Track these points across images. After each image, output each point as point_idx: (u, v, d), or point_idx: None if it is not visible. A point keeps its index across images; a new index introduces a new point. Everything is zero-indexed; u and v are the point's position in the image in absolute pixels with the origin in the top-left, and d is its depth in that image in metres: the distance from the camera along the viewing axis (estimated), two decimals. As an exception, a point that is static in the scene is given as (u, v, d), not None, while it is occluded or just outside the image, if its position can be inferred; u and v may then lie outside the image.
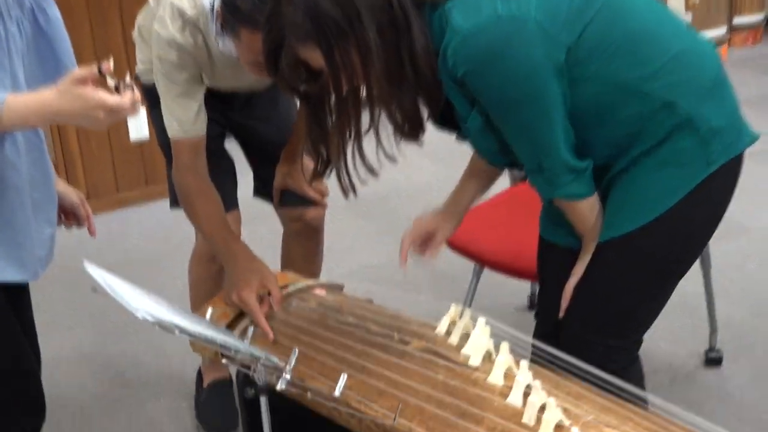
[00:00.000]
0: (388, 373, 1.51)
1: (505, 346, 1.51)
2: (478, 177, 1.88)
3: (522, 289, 2.96)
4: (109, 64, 1.39)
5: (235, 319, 1.78)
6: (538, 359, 1.58)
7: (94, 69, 1.38)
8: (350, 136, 1.66)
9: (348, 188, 1.70)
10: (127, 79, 1.45)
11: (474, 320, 1.61)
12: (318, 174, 1.75)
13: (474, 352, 1.53)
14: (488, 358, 1.53)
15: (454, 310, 1.66)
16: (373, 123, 1.62)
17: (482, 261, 2.39)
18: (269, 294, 1.81)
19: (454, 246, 2.39)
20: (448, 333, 1.62)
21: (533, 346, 1.62)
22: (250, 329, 1.68)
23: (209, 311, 1.77)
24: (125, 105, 1.40)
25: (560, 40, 1.49)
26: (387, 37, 1.50)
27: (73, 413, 2.57)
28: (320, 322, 1.71)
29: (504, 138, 1.62)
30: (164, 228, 3.68)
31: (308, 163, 1.96)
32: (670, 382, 2.55)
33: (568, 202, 1.66)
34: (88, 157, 3.75)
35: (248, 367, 1.54)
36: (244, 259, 1.91)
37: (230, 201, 2.29)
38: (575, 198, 1.65)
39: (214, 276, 2.39)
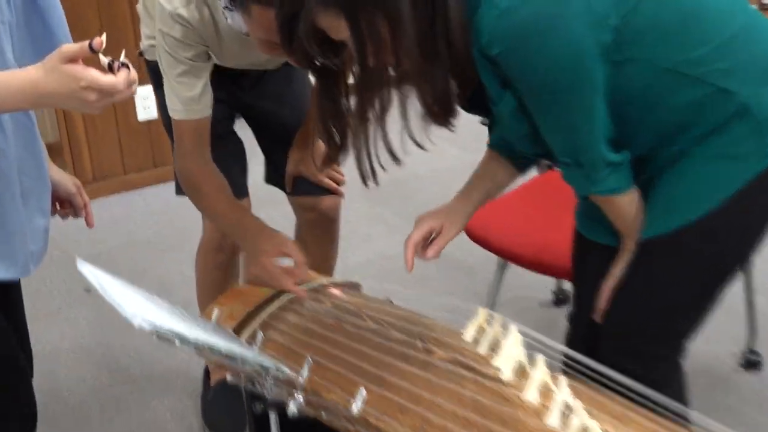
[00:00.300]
0: (411, 386, 1.36)
1: (540, 360, 1.36)
2: (492, 176, 1.74)
3: (546, 282, 2.82)
4: (102, 39, 1.23)
5: (244, 321, 1.63)
6: (571, 368, 1.44)
7: (84, 45, 1.23)
8: (373, 117, 1.50)
9: (368, 174, 1.54)
10: (122, 56, 1.29)
11: (504, 327, 1.46)
12: (329, 159, 1.60)
13: (505, 364, 1.38)
14: (521, 372, 1.38)
15: (482, 314, 1.52)
16: (402, 103, 1.45)
17: (507, 255, 2.25)
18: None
19: (477, 238, 2.25)
20: (476, 341, 1.47)
21: (567, 355, 1.48)
22: (260, 334, 1.54)
23: (215, 312, 1.62)
24: (119, 85, 1.25)
25: (608, 19, 1.33)
26: (420, 6, 1.34)
27: (72, 410, 2.44)
28: (336, 326, 1.56)
29: (537, 125, 1.47)
30: (172, 212, 3.54)
31: (320, 147, 1.82)
32: (706, 386, 2.41)
33: (606, 197, 1.51)
34: (93, 137, 3.62)
35: (256, 381, 1.39)
36: (256, 230, 1.80)
37: (239, 188, 2.14)
38: (613, 193, 1.50)
39: (221, 266, 2.26)
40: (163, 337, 1.22)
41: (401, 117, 1.46)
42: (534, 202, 2.37)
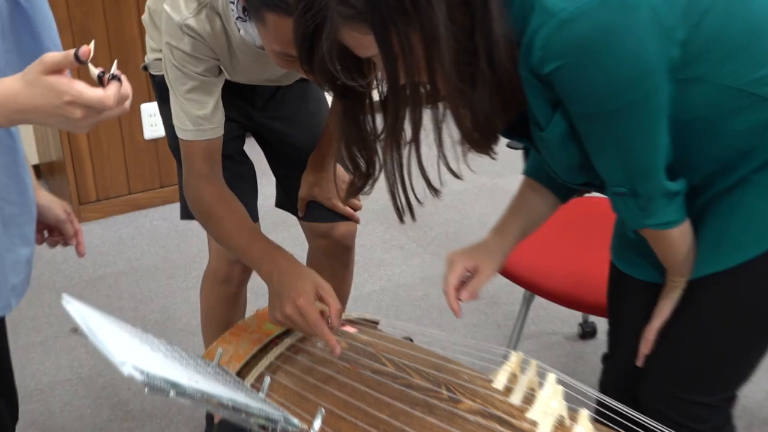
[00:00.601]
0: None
1: (584, 415, 1.20)
2: (529, 208, 1.60)
3: (572, 315, 2.66)
4: (90, 48, 1.08)
5: (250, 362, 1.48)
6: (608, 418, 1.30)
7: (69, 54, 1.08)
8: (405, 145, 1.34)
9: (404, 209, 1.38)
10: (114, 67, 1.14)
11: (540, 374, 1.31)
12: (356, 189, 1.44)
13: (543, 418, 1.23)
14: (561, 427, 1.22)
15: (514, 359, 1.36)
16: (437, 129, 1.29)
17: (534, 288, 2.09)
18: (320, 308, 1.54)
19: (502, 269, 2.09)
20: (508, 390, 1.32)
21: (602, 404, 1.33)
22: (267, 378, 1.38)
23: (218, 352, 1.47)
24: (108, 101, 1.09)
25: (675, 32, 1.18)
26: (459, 20, 1.19)
27: (68, 448, 2.29)
28: (352, 370, 1.41)
29: (588, 151, 1.31)
30: (179, 235, 3.40)
31: (342, 175, 1.67)
32: (746, 429, 2.25)
33: (656, 230, 1.36)
34: (98, 155, 3.48)
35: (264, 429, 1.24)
36: (290, 266, 1.61)
37: (250, 213, 1.99)
38: (668, 227, 1.35)
39: (227, 299, 2.12)
40: (155, 387, 1.07)
41: (435, 143, 1.30)
42: (564, 230, 2.21)
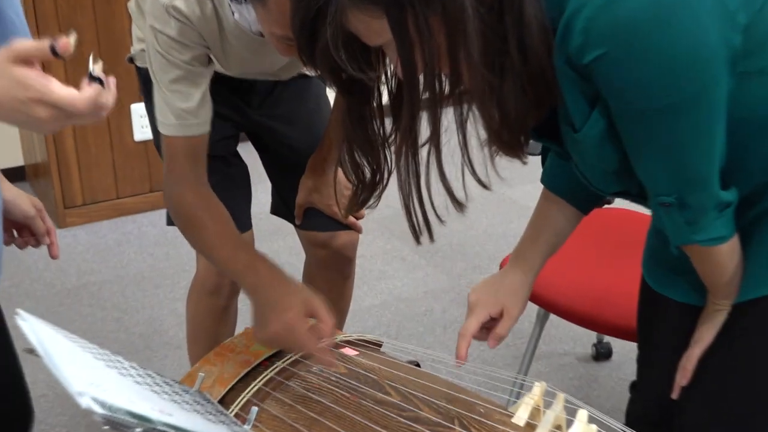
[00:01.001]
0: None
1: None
2: (552, 227, 1.44)
3: (586, 334, 2.50)
4: (69, 41, 0.92)
5: (236, 387, 1.31)
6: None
7: (44, 45, 0.91)
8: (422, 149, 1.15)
9: (421, 228, 1.18)
10: (98, 68, 0.97)
11: (560, 406, 1.15)
12: (359, 202, 1.27)
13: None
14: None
15: (537, 391, 1.19)
16: (461, 129, 1.11)
17: (550, 307, 1.93)
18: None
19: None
20: (530, 426, 1.15)
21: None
22: (254, 409, 1.21)
23: (200, 377, 1.30)
24: (79, 105, 0.92)
25: (738, 16, 1.01)
26: (486, 3, 1.02)
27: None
28: (352, 401, 1.24)
29: (629, 156, 1.14)
30: (168, 242, 3.23)
31: (343, 180, 1.50)
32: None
33: (706, 247, 1.19)
34: (85, 157, 3.31)
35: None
36: (276, 278, 1.43)
37: (242, 220, 1.83)
38: (718, 242, 1.18)
39: (215, 312, 1.95)
40: (117, 423, 0.89)
41: (460, 146, 1.12)
42: (584, 243, 2.05)
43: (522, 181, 2.72)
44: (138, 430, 0.91)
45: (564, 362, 2.50)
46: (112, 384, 1.00)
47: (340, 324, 2.10)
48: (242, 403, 1.27)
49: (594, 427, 1.09)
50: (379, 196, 1.25)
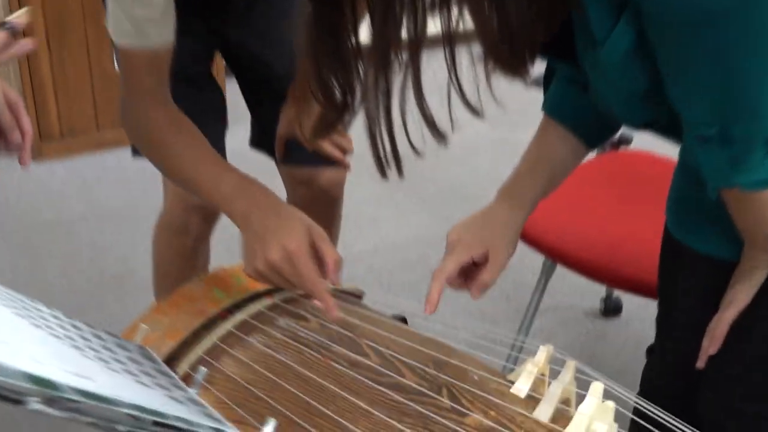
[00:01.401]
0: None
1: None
2: (550, 158, 1.23)
3: (593, 288, 2.31)
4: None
5: (188, 342, 1.11)
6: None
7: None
8: (400, 68, 0.94)
9: (388, 160, 0.99)
10: (19, 15, 0.80)
11: (570, 377, 0.95)
12: (325, 127, 1.06)
13: (584, 446, 0.86)
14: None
15: (543, 355, 0.99)
16: (447, 41, 0.90)
17: (559, 257, 1.73)
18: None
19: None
20: (533, 399, 0.96)
21: (643, 413, 0.96)
22: (201, 369, 1.02)
23: (141, 330, 1.10)
24: None
25: None
26: None
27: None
28: (322, 362, 1.04)
29: (663, 76, 0.94)
30: (148, 178, 3.01)
31: (313, 106, 1.29)
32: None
33: (748, 192, 0.99)
34: (62, 87, 3.10)
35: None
36: (273, 203, 1.20)
37: (215, 148, 1.62)
38: (762, 186, 0.98)
39: (186, 256, 1.77)
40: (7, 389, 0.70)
41: (447, 63, 0.91)
42: (598, 189, 1.86)
43: (531, 124, 2.51)
44: (34, 400, 0.71)
45: (568, 317, 2.32)
46: (16, 337, 0.81)
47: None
48: (193, 361, 1.08)
49: (611, 404, 0.89)
50: (351, 120, 1.04)
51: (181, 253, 1.76)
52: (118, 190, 3.00)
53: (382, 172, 0.99)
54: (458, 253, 1.15)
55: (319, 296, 1.09)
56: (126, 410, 0.79)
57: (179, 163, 1.28)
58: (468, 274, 1.18)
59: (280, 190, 1.87)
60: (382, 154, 0.97)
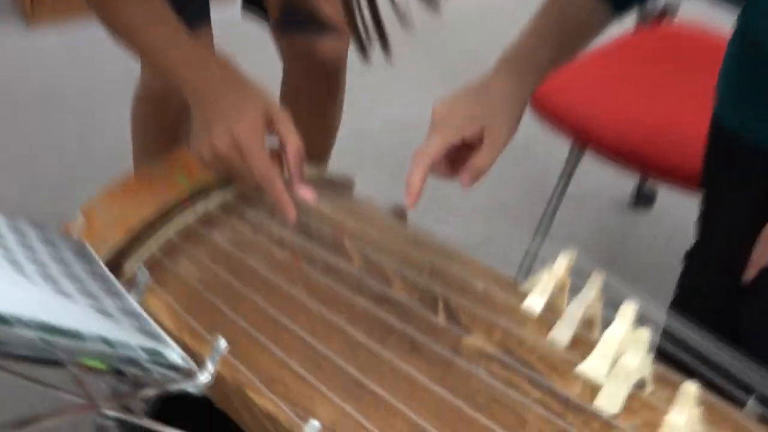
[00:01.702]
0: (416, 412, 0.68)
1: (689, 393, 0.66)
2: (562, 22, 0.98)
3: (620, 182, 2.14)
4: None
5: (139, 237, 0.93)
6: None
7: None
8: None
9: (368, 36, 0.80)
10: None
11: (597, 289, 0.78)
12: None
13: (611, 384, 0.69)
14: (639, 402, 0.69)
15: (563, 263, 0.81)
16: None
17: (587, 139, 1.55)
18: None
19: (542, 110, 1.56)
20: (547, 321, 0.78)
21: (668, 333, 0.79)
22: (143, 271, 0.84)
23: (78, 222, 0.92)
24: None
25: None
26: None
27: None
28: (293, 264, 0.86)
29: None
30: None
31: None
32: None
33: None
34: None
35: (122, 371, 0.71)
36: (229, 77, 0.99)
37: (197, 11, 1.41)
38: None
39: (165, 129, 1.59)
40: None
41: None
42: (635, 67, 1.68)
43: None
44: None
45: (594, 206, 2.13)
46: None
47: (324, 155, 1.73)
48: (145, 257, 0.91)
49: (645, 332, 0.71)
50: None
51: (160, 128, 1.57)
52: (115, 62, 2.77)
53: (363, 52, 0.79)
54: (446, 132, 0.91)
55: (271, 192, 0.88)
56: (26, 331, 0.62)
57: (127, 21, 1.05)
58: (458, 159, 0.95)
59: (275, 61, 1.68)
60: (361, 27, 0.77)
